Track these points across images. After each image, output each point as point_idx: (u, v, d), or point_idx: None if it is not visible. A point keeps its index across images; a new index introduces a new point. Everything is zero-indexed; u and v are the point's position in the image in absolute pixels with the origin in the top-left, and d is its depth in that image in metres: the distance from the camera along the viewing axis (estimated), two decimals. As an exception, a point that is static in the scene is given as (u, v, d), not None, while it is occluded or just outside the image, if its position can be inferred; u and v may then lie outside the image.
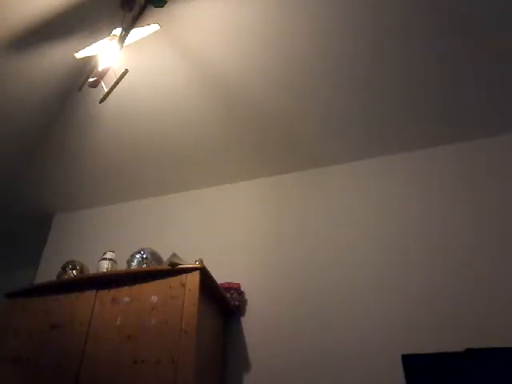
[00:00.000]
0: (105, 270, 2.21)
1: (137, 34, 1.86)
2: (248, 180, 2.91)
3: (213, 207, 2.87)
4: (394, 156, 2.62)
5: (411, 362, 1.85)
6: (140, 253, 2.21)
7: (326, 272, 2.31)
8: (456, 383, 1.75)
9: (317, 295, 2.24)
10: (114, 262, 2.30)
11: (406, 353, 1.89)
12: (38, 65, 2.17)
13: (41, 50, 2.09)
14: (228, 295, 2.24)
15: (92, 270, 2.34)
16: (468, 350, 1.80)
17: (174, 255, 2.19)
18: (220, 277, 2.18)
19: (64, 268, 2.35)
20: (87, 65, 2.12)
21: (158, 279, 1.95)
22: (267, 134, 2.57)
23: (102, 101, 1.91)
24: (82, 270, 2.35)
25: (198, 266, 1.93)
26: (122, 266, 2.27)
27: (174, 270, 1.94)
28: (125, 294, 1.96)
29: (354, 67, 2.14)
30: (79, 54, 1.95)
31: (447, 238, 2.19)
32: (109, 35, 1.83)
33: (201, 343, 1.79)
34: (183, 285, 1.88)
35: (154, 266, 2.14)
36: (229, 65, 2.16)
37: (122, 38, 1.76)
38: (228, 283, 2.29)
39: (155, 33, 1.93)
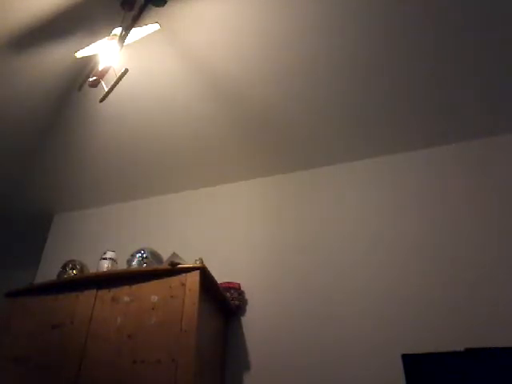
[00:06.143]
0: (105, 270, 2.21)
1: (137, 33, 1.86)
2: (248, 180, 2.91)
3: (213, 207, 2.87)
4: (393, 156, 2.62)
5: (411, 362, 1.85)
6: (140, 252, 2.21)
7: (325, 272, 2.31)
8: (456, 383, 1.75)
9: (317, 295, 2.24)
10: (115, 261, 2.29)
11: (406, 353, 1.89)
12: (38, 64, 2.17)
13: (41, 49, 2.09)
14: (228, 295, 2.24)
15: (92, 270, 2.33)
16: (468, 350, 1.80)
17: (174, 255, 2.19)
18: (220, 276, 2.18)
19: (64, 267, 2.35)
20: (87, 64, 2.12)
21: (158, 279, 1.95)
22: (267, 134, 2.57)
23: (102, 100, 1.91)
24: (82, 270, 2.35)
25: (198, 265, 1.93)
26: (122, 266, 2.27)
27: (174, 269, 1.94)
28: (125, 293, 1.96)
29: (354, 67, 2.14)
30: (79, 54, 1.95)
31: (447, 238, 2.19)
32: (109, 35, 1.83)
33: (201, 343, 1.79)
34: (183, 284, 1.88)
35: (154, 266, 2.14)
36: (229, 65, 2.16)
37: (122, 38, 1.76)
38: (228, 283, 2.29)
39: (155, 32, 1.93)
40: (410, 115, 2.38)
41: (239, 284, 2.33)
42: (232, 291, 2.27)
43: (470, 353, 1.79)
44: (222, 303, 2.18)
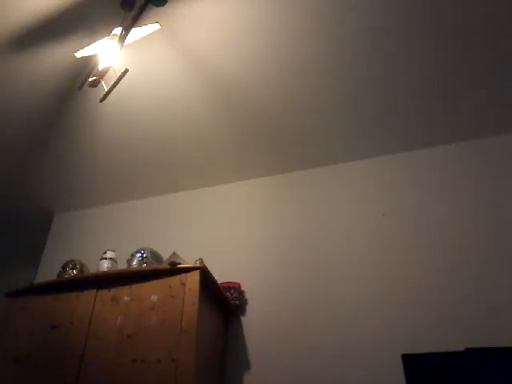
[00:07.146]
0: (105, 270, 2.21)
1: (137, 33, 1.86)
2: (248, 180, 2.91)
3: (213, 207, 2.87)
4: (393, 156, 2.62)
5: (411, 362, 1.85)
6: (140, 252, 2.21)
7: (325, 271, 2.31)
8: (456, 383, 1.75)
9: (317, 295, 2.24)
10: (115, 261, 2.30)
11: (405, 352, 1.89)
12: (38, 64, 2.17)
13: (41, 49, 2.09)
14: (228, 295, 2.24)
15: (92, 270, 2.34)
16: (468, 350, 1.80)
17: (174, 254, 2.20)
18: (220, 276, 2.18)
19: (64, 267, 2.35)
20: (87, 64, 2.12)
21: (158, 278, 1.95)
22: (267, 134, 2.57)
23: (102, 100, 1.91)
24: (82, 270, 2.36)
25: (198, 265, 1.94)
26: (122, 266, 2.27)
27: (174, 269, 1.94)
28: (125, 293, 1.97)
29: (353, 67, 2.14)
30: (79, 54, 1.95)
31: (447, 238, 2.19)
32: (109, 35, 1.83)
33: (201, 343, 1.79)
34: (183, 284, 1.88)
35: (154, 266, 2.14)
36: (229, 65, 2.16)
37: (123, 38, 1.76)
38: (228, 283, 2.29)
39: (155, 32, 1.93)
40: (409, 115, 2.38)
41: (239, 284, 2.33)
42: (232, 291, 2.27)
43: (471, 353, 1.79)
44: (222, 303, 2.18)
